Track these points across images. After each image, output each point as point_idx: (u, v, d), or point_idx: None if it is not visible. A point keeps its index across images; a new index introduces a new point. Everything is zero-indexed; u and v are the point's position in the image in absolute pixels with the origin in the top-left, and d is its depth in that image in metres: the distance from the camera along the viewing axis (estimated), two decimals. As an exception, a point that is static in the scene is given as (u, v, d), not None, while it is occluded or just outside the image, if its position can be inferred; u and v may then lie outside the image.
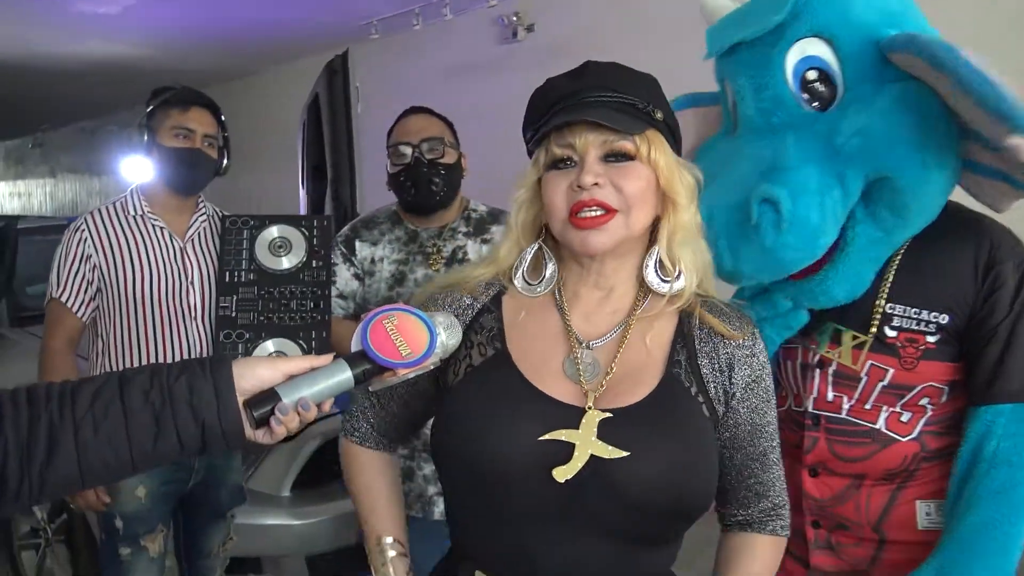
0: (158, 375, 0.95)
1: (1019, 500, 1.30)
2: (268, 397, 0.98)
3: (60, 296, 2.20)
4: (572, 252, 1.16)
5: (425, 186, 2.14)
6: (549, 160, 1.14)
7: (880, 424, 1.43)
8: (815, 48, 1.37)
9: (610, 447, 1.04)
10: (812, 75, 1.38)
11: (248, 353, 2.23)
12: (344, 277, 2.21)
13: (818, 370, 1.47)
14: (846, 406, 1.45)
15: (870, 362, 1.41)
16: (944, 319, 1.38)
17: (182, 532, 2.44)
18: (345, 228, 2.28)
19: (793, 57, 1.38)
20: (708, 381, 1.14)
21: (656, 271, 1.16)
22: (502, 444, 1.06)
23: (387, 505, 1.26)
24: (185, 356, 2.27)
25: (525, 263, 1.19)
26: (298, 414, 0.99)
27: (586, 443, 1.04)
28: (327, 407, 1.03)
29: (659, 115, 1.14)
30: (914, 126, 1.29)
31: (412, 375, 1.06)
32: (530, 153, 1.21)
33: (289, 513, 2.68)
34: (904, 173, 1.30)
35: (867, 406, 1.43)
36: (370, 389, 1.10)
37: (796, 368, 1.52)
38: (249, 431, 0.99)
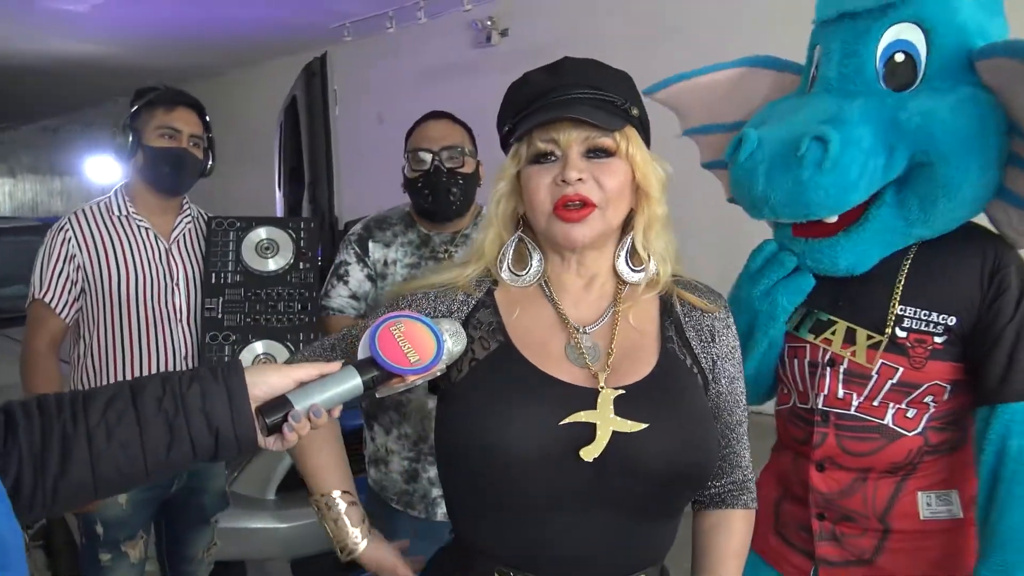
0: (170, 383, 0.95)
1: None
2: (280, 404, 0.98)
3: (43, 297, 2.17)
4: (553, 244, 1.19)
5: (443, 195, 2.13)
6: (532, 154, 1.15)
7: (887, 420, 1.48)
8: (911, 34, 1.44)
9: (629, 422, 1.07)
10: (900, 57, 1.45)
11: (235, 355, 2.21)
12: (357, 278, 2.19)
13: (829, 368, 1.51)
14: (855, 403, 1.49)
15: (882, 361, 1.46)
16: (952, 321, 1.43)
17: (165, 537, 2.40)
18: (358, 227, 2.25)
19: (890, 36, 1.44)
20: (698, 351, 1.20)
21: (627, 261, 1.20)
22: (525, 431, 1.07)
23: (329, 461, 1.27)
24: (170, 358, 2.25)
25: (509, 255, 1.21)
26: (310, 421, 0.99)
27: (606, 421, 1.06)
28: (336, 413, 1.03)
29: (635, 112, 1.17)
30: (973, 128, 1.36)
31: (419, 381, 1.07)
32: (505, 145, 1.22)
33: (274, 516, 2.66)
34: (948, 165, 1.36)
35: (875, 403, 1.48)
36: (376, 395, 1.10)
37: (804, 366, 1.56)
38: (261, 438, 0.99)
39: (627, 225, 1.20)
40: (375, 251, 2.18)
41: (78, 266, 2.20)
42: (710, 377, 1.20)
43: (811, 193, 1.38)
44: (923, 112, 1.37)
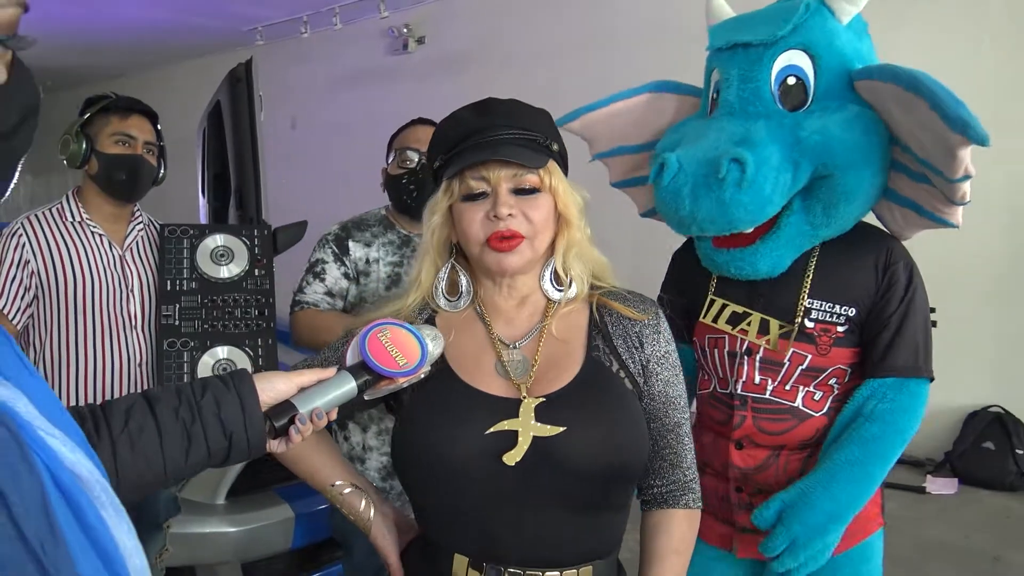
0: (183, 393, 1.01)
1: (884, 450, 1.59)
2: (286, 408, 1.06)
3: None
4: (486, 271, 1.30)
5: (427, 193, 2.20)
6: (464, 192, 1.26)
7: (798, 402, 1.67)
8: (800, 59, 1.63)
9: (548, 426, 1.18)
10: (791, 80, 1.63)
11: (195, 361, 2.23)
12: (334, 275, 2.22)
13: (746, 357, 1.69)
14: (770, 387, 1.68)
15: (792, 349, 1.65)
16: (851, 311, 1.64)
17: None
18: (335, 228, 2.29)
19: (781, 62, 1.63)
20: (626, 358, 1.28)
21: (551, 281, 1.31)
22: (453, 442, 1.19)
23: (323, 460, 1.35)
24: (125, 365, 2.24)
25: (442, 282, 1.33)
26: (312, 423, 1.07)
27: (527, 427, 1.18)
28: (333, 415, 1.11)
29: (555, 147, 1.29)
30: (863, 141, 1.56)
31: (406, 383, 1.16)
32: (436, 179, 1.32)
33: (224, 520, 2.64)
34: (846, 174, 1.55)
35: (787, 387, 1.67)
36: (366, 398, 1.19)
37: (723, 355, 1.73)
38: (267, 441, 1.05)
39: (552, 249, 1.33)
40: (356, 250, 2.23)
41: (32, 272, 2.18)
42: (640, 381, 1.29)
43: (733, 210, 1.55)
44: (819, 130, 1.56)
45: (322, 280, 2.24)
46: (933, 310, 2.63)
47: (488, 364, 1.27)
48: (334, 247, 2.24)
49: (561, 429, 1.18)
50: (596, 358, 1.28)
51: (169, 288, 2.29)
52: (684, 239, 1.86)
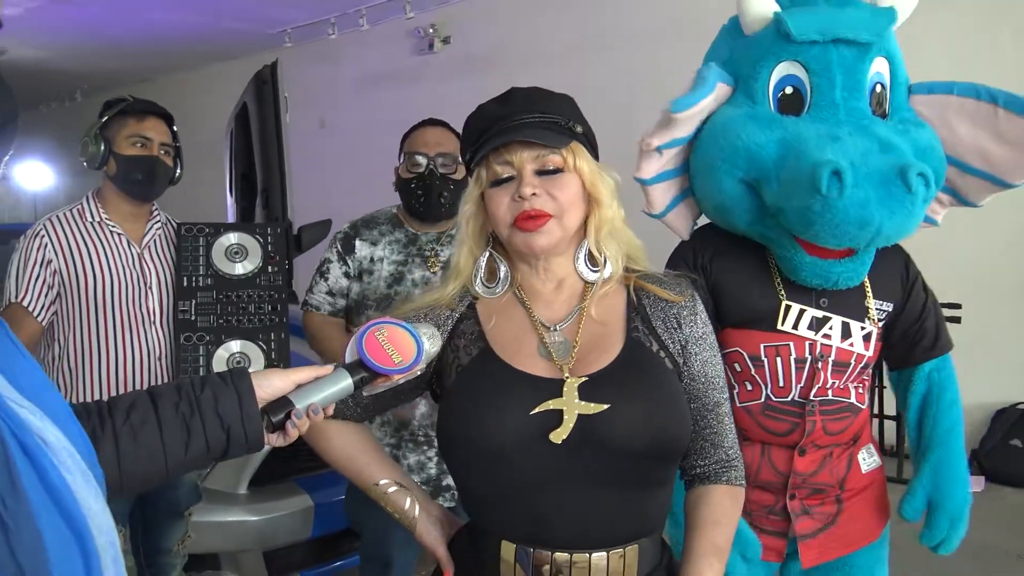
0: (183, 389, 1.06)
1: (960, 412, 1.78)
2: (283, 404, 1.10)
3: (22, 300, 2.22)
4: (519, 253, 1.32)
5: (435, 198, 2.25)
6: (491, 177, 1.29)
7: (853, 398, 1.71)
8: (883, 66, 1.64)
9: (592, 404, 1.20)
10: (879, 88, 1.64)
11: (210, 354, 2.31)
12: (335, 275, 2.29)
13: (820, 362, 1.68)
14: (832, 388, 1.69)
15: (863, 348, 1.70)
16: (891, 307, 1.73)
17: (141, 531, 2.48)
18: (345, 226, 2.35)
19: (873, 68, 1.62)
20: (665, 338, 1.31)
21: (586, 262, 1.33)
22: (499, 423, 1.21)
23: (368, 459, 1.38)
24: (145, 359, 2.32)
25: (481, 270, 1.35)
26: (309, 418, 1.11)
27: (571, 406, 1.20)
28: (330, 411, 1.15)
29: (579, 129, 1.30)
30: (942, 156, 1.65)
31: (402, 380, 1.20)
32: (469, 171, 1.35)
33: (246, 510, 2.74)
34: (939, 186, 1.63)
35: (842, 386, 1.70)
36: (364, 394, 1.24)
37: (789, 363, 1.68)
38: (266, 435, 1.10)
39: (585, 230, 1.34)
40: (361, 248, 2.29)
41: (54, 271, 2.26)
42: (680, 361, 1.31)
43: (914, 223, 1.56)
44: (929, 144, 1.61)
45: (325, 280, 2.31)
46: (959, 307, 2.72)
47: (531, 346, 1.30)
48: (339, 246, 2.31)
49: (605, 407, 1.20)
50: (636, 339, 1.30)
51: (185, 284, 2.37)
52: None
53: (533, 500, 1.22)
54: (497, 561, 1.23)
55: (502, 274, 1.35)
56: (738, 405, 1.73)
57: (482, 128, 1.30)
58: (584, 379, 1.23)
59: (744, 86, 1.69)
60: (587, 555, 1.20)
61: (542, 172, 1.27)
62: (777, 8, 1.66)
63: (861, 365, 1.70)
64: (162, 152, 2.38)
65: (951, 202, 1.77)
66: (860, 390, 1.72)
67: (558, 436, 1.19)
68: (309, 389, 1.11)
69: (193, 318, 2.34)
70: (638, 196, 1.93)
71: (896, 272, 1.73)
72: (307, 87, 8.54)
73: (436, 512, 1.39)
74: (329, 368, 1.15)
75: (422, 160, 2.27)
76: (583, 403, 1.20)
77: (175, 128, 2.47)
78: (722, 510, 1.32)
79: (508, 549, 1.23)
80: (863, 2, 1.66)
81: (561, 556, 1.20)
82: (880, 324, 1.71)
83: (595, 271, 1.33)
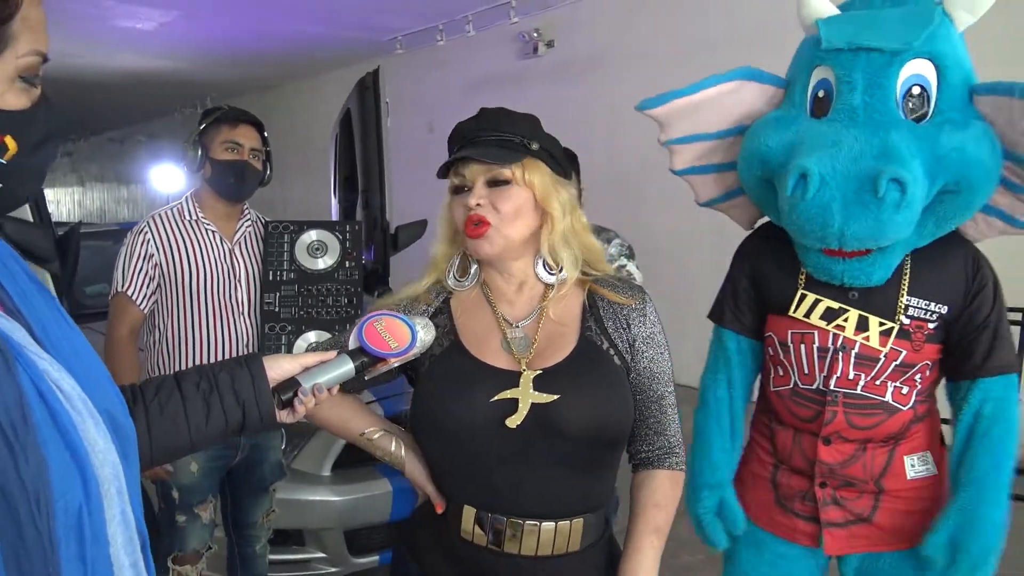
0: (203, 371, 1.20)
1: (1011, 448, 1.67)
2: (291, 384, 1.23)
3: (126, 290, 2.46)
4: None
5: None
6: (452, 187, 1.45)
7: (888, 397, 1.71)
8: (925, 69, 1.62)
9: (544, 395, 1.34)
10: (916, 90, 1.63)
11: (291, 344, 2.49)
12: None
13: (841, 353, 1.72)
14: (862, 382, 1.72)
15: (891, 345, 1.70)
16: (944, 309, 1.69)
17: (230, 504, 2.70)
18: None
19: (908, 70, 1.62)
20: (615, 338, 1.43)
21: (544, 267, 1.45)
22: (463, 407, 1.36)
23: (351, 413, 1.50)
24: (234, 345, 2.52)
25: (454, 266, 1.50)
26: (315, 396, 1.25)
27: (526, 395, 1.34)
28: (335, 391, 1.29)
29: (535, 146, 1.42)
30: (990, 159, 1.59)
31: (398, 364, 1.34)
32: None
33: (329, 490, 2.93)
34: (973, 192, 1.60)
35: (878, 382, 1.71)
36: (365, 378, 1.37)
37: (812, 351, 1.74)
38: (276, 412, 1.23)
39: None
40: None
41: (155, 264, 2.49)
42: (628, 358, 1.44)
43: (888, 229, 1.55)
44: (957, 147, 1.57)
45: None
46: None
47: (495, 341, 1.44)
48: None
49: (555, 397, 1.33)
50: (589, 338, 1.43)
51: (271, 278, 2.56)
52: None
53: (492, 475, 1.35)
54: (459, 521, 1.38)
55: (472, 271, 1.49)
56: (771, 389, 1.83)
57: (454, 142, 1.47)
58: (539, 372, 1.37)
59: (790, 89, 1.77)
60: (538, 523, 1.34)
61: (494, 183, 1.40)
62: (823, 13, 1.72)
63: (897, 363, 1.68)
64: (252, 156, 2.57)
65: (991, 221, 1.73)
66: (904, 391, 1.70)
67: (513, 422, 1.33)
68: (315, 371, 1.24)
69: (277, 309, 2.53)
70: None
71: (959, 274, 1.69)
72: (417, 92, 8.80)
73: (420, 450, 1.50)
74: (332, 354, 1.28)
75: None
76: (537, 393, 1.34)
77: (265, 134, 2.67)
78: (662, 492, 1.45)
79: (469, 512, 1.37)
80: (919, 8, 1.65)
81: (515, 521, 1.34)
82: (929, 325, 1.68)
83: (552, 275, 1.45)
